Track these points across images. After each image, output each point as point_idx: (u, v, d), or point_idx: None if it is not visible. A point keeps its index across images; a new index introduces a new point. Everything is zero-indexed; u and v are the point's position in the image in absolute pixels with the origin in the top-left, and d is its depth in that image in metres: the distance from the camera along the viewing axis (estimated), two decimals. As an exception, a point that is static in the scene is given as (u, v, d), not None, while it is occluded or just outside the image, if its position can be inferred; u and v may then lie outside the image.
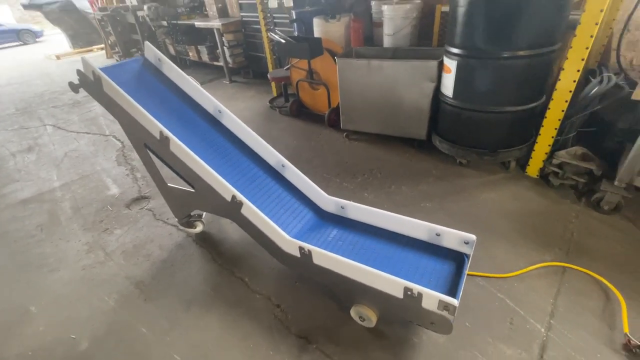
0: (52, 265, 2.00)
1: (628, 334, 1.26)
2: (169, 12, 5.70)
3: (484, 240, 1.80)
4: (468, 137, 2.31)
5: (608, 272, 1.54)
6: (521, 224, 1.91)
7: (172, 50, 6.17)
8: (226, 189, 1.52)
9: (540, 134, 2.12)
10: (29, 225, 2.37)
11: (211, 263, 1.90)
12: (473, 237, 1.38)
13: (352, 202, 1.68)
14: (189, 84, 1.86)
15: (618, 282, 1.48)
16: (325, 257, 1.38)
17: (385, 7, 2.91)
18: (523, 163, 2.33)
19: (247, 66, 5.09)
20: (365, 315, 1.39)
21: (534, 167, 2.24)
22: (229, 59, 4.93)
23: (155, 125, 1.54)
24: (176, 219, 2.07)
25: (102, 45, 7.93)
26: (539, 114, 2.14)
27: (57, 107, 4.76)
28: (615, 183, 1.78)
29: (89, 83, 1.64)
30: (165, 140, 1.55)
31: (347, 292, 1.43)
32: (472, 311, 1.46)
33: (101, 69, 1.63)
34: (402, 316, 1.33)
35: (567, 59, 1.84)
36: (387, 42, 3.05)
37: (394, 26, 2.91)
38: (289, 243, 1.46)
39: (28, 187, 2.84)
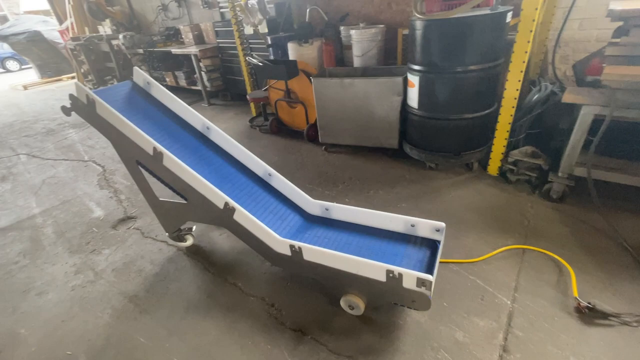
0: (40, 289, 1.99)
1: (578, 297, 1.47)
2: (145, 40, 5.84)
3: (455, 231, 2.01)
4: (434, 143, 2.57)
5: (559, 250, 1.78)
6: (486, 215, 2.14)
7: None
8: (219, 196, 1.64)
9: (495, 137, 2.40)
10: (10, 253, 2.34)
11: (204, 273, 1.98)
12: (442, 224, 1.57)
13: (335, 204, 1.84)
14: (178, 103, 1.99)
15: (567, 257, 1.72)
16: (315, 252, 1.52)
17: (353, 32, 3.22)
18: (484, 163, 2.61)
19: (225, 89, 5.27)
20: (354, 303, 1.53)
21: (493, 167, 2.51)
22: (207, 83, 5.09)
23: (148, 142, 1.66)
24: (166, 234, 2.14)
25: (73, 75, 7.88)
26: (493, 120, 2.44)
27: (29, 136, 4.67)
28: (559, 174, 2.06)
29: (81, 106, 1.73)
30: (158, 155, 1.66)
31: (336, 283, 1.56)
32: (448, 293, 1.63)
33: (94, 92, 1.74)
34: (386, 299, 1.48)
35: (509, 71, 2.16)
36: (356, 62, 3.34)
37: (361, 48, 3.21)
38: (280, 243, 1.59)
39: (5, 216, 2.79)
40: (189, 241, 2.17)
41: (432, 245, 1.61)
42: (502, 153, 2.43)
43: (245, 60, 3.97)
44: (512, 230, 1.98)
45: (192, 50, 4.82)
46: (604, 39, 2.68)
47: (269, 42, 3.81)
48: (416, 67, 2.41)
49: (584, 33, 2.76)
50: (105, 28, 6.51)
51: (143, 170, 1.86)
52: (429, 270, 1.45)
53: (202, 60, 4.84)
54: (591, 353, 1.31)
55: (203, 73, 5.00)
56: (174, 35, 5.90)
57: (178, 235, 2.13)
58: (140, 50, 5.75)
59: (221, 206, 1.66)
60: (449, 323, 1.49)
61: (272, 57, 3.91)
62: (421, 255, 1.56)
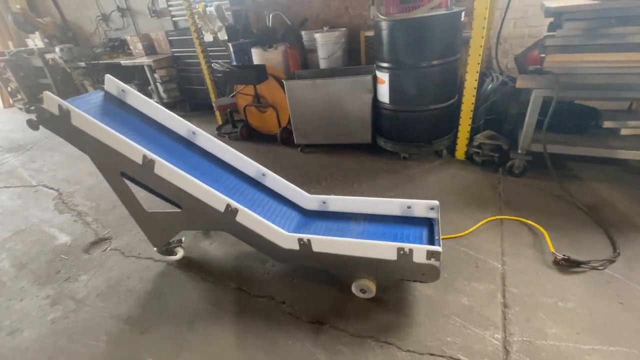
0: (10, 328, 1.76)
1: (554, 252, 1.69)
2: (86, 52, 5.41)
3: (441, 211, 2.17)
4: (406, 134, 2.75)
5: (530, 216, 2.02)
6: (463, 195, 2.35)
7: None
8: (219, 199, 1.61)
9: (460, 124, 2.65)
10: (-40, 295, 2.03)
11: (203, 282, 1.90)
12: (436, 202, 1.71)
13: (332, 196, 1.90)
14: (158, 110, 1.91)
15: (538, 221, 1.96)
16: (324, 242, 1.56)
17: (317, 35, 3.33)
18: (451, 150, 2.85)
19: (183, 100, 5.07)
20: (365, 287, 1.59)
21: (460, 151, 2.77)
22: (163, 95, 4.86)
23: (137, 150, 1.58)
24: (154, 249, 2.02)
25: (-3, 94, 6.97)
26: (456, 110, 2.70)
27: (-46, 165, 4.05)
28: (519, 151, 2.34)
29: (51, 118, 1.60)
30: (149, 163, 1.59)
31: (346, 270, 1.61)
32: (446, 265, 1.76)
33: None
34: (396, 277, 1.56)
35: (468, 64, 2.41)
36: (322, 64, 3.46)
37: (327, 50, 3.33)
38: (287, 238, 1.61)
39: (-56, 256, 2.41)
40: (180, 253, 2.07)
41: (427, 223, 1.74)
42: (467, 138, 2.69)
43: (209, 67, 3.88)
44: (488, 204, 2.20)
45: (145, 61, 4.59)
46: (535, 35, 3.11)
47: (231, 49, 3.78)
48: (385, 65, 2.58)
49: (518, 30, 3.17)
50: (36, 41, 5.91)
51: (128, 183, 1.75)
52: (432, 244, 1.57)
53: (156, 70, 4.62)
54: (573, 296, 1.52)
55: (158, 84, 4.78)
56: (119, 47, 5.56)
57: (167, 248, 2.02)
58: (82, 64, 5.32)
59: (222, 209, 1.63)
60: (453, 291, 1.62)
61: (233, 63, 3.88)
62: (420, 233, 1.68)
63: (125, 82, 5.48)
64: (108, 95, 1.90)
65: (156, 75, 4.69)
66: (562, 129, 2.32)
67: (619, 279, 1.58)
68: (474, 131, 2.71)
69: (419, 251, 1.42)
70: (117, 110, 1.86)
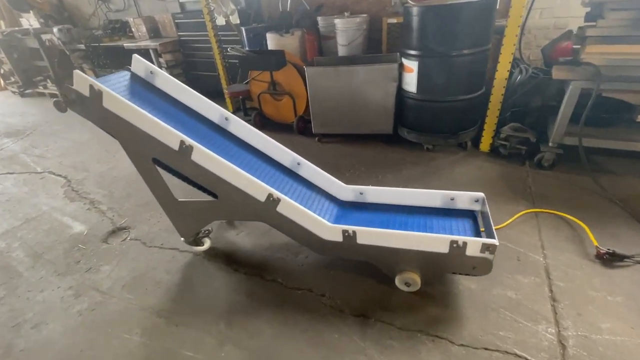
0: (34, 321, 1.68)
1: (598, 246, 1.67)
2: (85, 34, 5.17)
3: (472, 204, 2.14)
4: (433, 125, 2.70)
5: (564, 209, 2.00)
6: (492, 187, 2.32)
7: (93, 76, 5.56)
8: (261, 188, 1.54)
9: (487, 116, 2.61)
10: (-26, 286, 1.93)
11: (235, 274, 1.84)
12: (481, 194, 1.67)
13: (370, 187, 1.85)
14: (190, 94, 1.81)
15: (574, 214, 1.94)
16: (370, 234, 1.51)
17: (338, 21, 3.22)
18: (476, 142, 2.81)
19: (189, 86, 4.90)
20: (410, 280, 1.55)
21: (485, 144, 2.73)
22: (168, 80, 4.69)
23: (174, 136, 1.49)
24: (182, 239, 1.94)
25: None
26: (482, 101, 2.65)
27: (-51, 150, 3.86)
28: (550, 144, 2.32)
29: (81, 99, 1.49)
30: (187, 149, 1.50)
31: (390, 263, 1.57)
32: (487, 258, 1.73)
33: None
34: (444, 271, 1.53)
35: (501, 54, 2.35)
36: (341, 51, 3.36)
37: (347, 37, 3.23)
38: (330, 229, 1.55)
39: (-49, 244, 2.29)
40: (207, 244, 2.00)
41: (470, 216, 1.70)
42: (494, 130, 2.65)
43: (222, 53, 3.74)
44: (519, 197, 2.18)
45: (151, 44, 4.40)
46: (561, 26, 3.06)
47: (244, 33, 3.64)
48: (414, 53, 2.51)
49: (544, 21, 3.12)
50: (31, 21, 5.62)
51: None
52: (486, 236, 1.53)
53: (162, 55, 4.45)
54: (621, 290, 1.51)
55: (164, 69, 4.59)
56: (120, 29, 5.32)
57: (195, 239, 1.95)
58: (82, 46, 5.09)
59: (262, 199, 1.56)
60: (498, 285, 1.59)
61: (248, 49, 3.75)
62: (463, 225, 1.64)
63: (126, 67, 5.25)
64: (135, 77, 1.79)
65: (162, 60, 4.52)
66: (593, 122, 2.30)
67: (664, 274, 1.57)
68: (499, 124, 2.67)
69: (474, 244, 1.38)
70: (145, 93, 1.76)
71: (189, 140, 1.49)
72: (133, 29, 5.01)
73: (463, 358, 1.31)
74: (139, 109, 1.46)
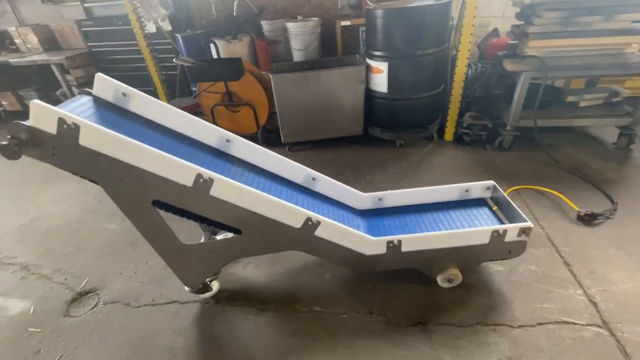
0: None
1: (579, 210, 1.96)
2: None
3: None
4: (405, 122, 2.82)
5: (537, 182, 2.30)
6: (469, 171, 2.54)
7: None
8: (298, 214, 1.37)
9: (450, 108, 2.84)
10: None
11: (263, 314, 1.62)
12: (492, 182, 1.79)
13: (389, 191, 1.82)
14: (178, 115, 1.51)
15: (547, 185, 2.25)
16: (415, 240, 1.49)
17: (290, 25, 3.11)
18: (439, 133, 3.04)
19: (110, 105, 4.16)
20: (452, 276, 1.58)
21: (449, 133, 2.97)
22: (81, 100, 3.89)
23: (188, 170, 1.22)
24: (187, 289, 1.62)
25: None
26: (444, 95, 2.87)
27: None
28: (508, 128, 2.64)
29: (43, 139, 1.11)
30: (204, 184, 1.24)
31: (431, 263, 1.57)
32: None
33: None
34: (483, 260, 1.60)
35: (459, 51, 2.58)
36: (297, 56, 3.26)
37: (302, 41, 3.14)
38: (374, 243, 1.48)
39: None
40: (215, 287, 1.72)
41: (482, 203, 1.82)
42: (456, 120, 2.90)
43: (157, 64, 3.26)
44: (497, 178, 2.37)
45: (52, 58, 3.60)
46: (484, 24, 3.51)
47: (180, 41, 3.24)
48: (382, 54, 2.57)
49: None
50: None
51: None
52: (501, 222, 1.65)
53: (71, 71, 3.67)
54: (610, 244, 1.79)
55: (74, 88, 3.81)
56: (-3, 41, 4.22)
57: (203, 284, 1.65)
58: (-60, 66, 3.87)
59: (299, 225, 1.39)
60: (519, 262, 1.74)
61: (183, 57, 3.35)
62: (485, 212, 1.74)
63: (17, 89, 4.34)
64: (100, 102, 1.42)
65: (70, 77, 3.73)
66: (533, 106, 2.68)
67: (629, 223, 1.92)
68: (458, 114, 2.93)
69: (512, 230, 1.47)
70: (120, 121, 1.40)
71: (207, 173, 1.23)
72: (17, 41, 4.04)
73: (527, 338, 1.39)
74: (137, 142, 1.15)
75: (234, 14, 3.30)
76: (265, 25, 3.48)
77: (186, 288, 1.62)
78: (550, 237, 1.88)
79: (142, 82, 3.64)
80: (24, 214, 2.53)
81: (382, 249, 1.50)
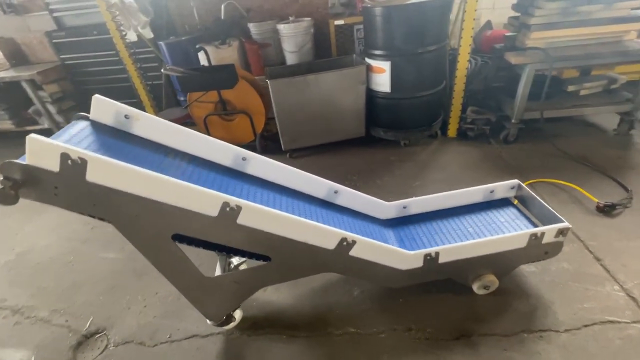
0: None
1: (598, 201, 1.95)
2: None
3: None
4: (409, 121, 2.75)
5: (549, 175, 2.29)
6: (478, 167, 2.50)
7: None
8: (332, 235, 1.27)
9: (453, 104, 2.79)
10: None
11: (294, 341, 1.51)
12: (516, 181, 1.75)
13: (414, 198, 1.74)
14: (189, 136, 1.37)
15: (559, 177, 2.23)
16: (452, 251, 1.42)
17: (282, 26, 2.97)
18: (442, 130, 2.99)
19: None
20: (489, 282, 1.52)
21: (452, 129, 2.93)
22: (58, 118, 3.62)
23: (214, 199, 1.09)
24: (209, 322, 1.49)
25: None
26: (445, 92, 2.82)
27: None
28: (513, 121, 2.62)
29: (42, 179, 0.96)
30: (231, 213, 1.12)
31: (467, 272, 1.51)
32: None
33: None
34: (518, 264, 1.55)
35: (461, 46, 2.53)
36: (290, 59, 3.13)
37: (296, 43, 3.02)
38: (411, 257, 1.40)
39: None
40: (238, 315, 1.59)
41: (506, 203, 1.77)
42: (459, 116, 2.86)
43: (141, 75, 3.04)
44: (506, 172, 2.40)
45: (22, 74, 3.31)
46: (475, 17, 3.48)
47: (164, 48, 3.04)
48: (384, 53, 2.49)
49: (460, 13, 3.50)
50: None
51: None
52: (532, 222, 1.60)
53: (44, 86, 3.39)
54: (633, 234, 1.79)
55: (49, 105, 3.53)
56: (-46, 59, 3.84)
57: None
58: None
59: (332, 246, 1.29)
60: (551, 261, 1.69)
61: (171, 67, 3.15)
62: (513, 212, 1.69)
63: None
64: (99, 128, 1.25)
65: (44, 93, 3.45)
66: (537, 97, 2.68)
67: (647, 210, 1.93)
68: (460, 110, 2.90)
69: (550, 232, 1.42)
70: (124, 148, 1.24)
71: (234, 200, 1.11)
72: (-22, 57, 3.68)
73: (576, 343, 1.35)
74: (154, 173, 1.01)
75: (222, 17, 3.12)
76: (253, 28, 3.32)
77: (208, 322, 1.49)
78: (575, 231, 1.86)
79: (124, 94, 3.42)
80: (8, 250, 2.30)
81: (419, 263, 1.42)
